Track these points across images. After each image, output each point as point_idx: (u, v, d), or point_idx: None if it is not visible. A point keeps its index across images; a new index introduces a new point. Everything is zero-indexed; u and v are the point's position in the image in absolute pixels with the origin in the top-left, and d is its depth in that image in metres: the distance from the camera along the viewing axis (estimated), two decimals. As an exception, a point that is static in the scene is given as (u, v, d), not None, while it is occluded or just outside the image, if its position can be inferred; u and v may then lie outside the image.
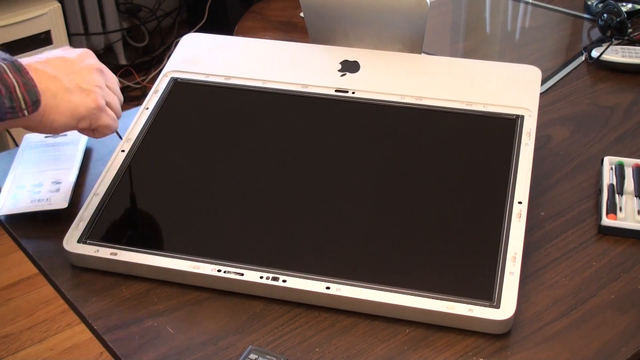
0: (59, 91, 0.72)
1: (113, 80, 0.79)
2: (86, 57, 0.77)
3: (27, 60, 0.71)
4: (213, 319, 0.75)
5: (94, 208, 0.83)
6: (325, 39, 1.03)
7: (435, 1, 1.40)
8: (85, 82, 0.75)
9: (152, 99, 0.95)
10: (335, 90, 0.94)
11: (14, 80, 0.66)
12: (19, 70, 0.67)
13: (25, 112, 0.67)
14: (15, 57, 0.69)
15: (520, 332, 0.73)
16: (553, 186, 0.91)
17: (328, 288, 0.74)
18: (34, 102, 0.68)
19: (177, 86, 0.97)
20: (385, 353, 0.71)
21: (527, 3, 1.39)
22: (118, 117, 0.80)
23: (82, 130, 0.77)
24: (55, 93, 0.71)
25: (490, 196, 0.81)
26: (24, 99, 0.67)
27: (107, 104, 0.77)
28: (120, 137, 0.89)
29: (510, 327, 0.72)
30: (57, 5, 2.13)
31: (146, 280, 0.79)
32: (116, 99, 0.80)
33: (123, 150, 0.89)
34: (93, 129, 0.77)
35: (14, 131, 2.04)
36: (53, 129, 0.72)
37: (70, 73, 0.74)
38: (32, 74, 0.69)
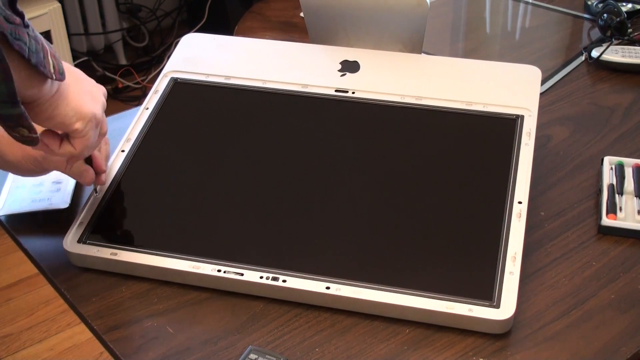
0: (74, 86, 0.71)
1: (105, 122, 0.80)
2: (100, 87, 0.78)
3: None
4: (213, 319, 0.75)
5: (94, 208, 0.83)
6: (325, 39, 1.03)
7: (435, 1, 1.40)
8: (95, 95, 0.76)
9: (152, 99, 0.95)
10: (335, 90, 0.94)
11: (47, 48, 0.67)
12: (49, 46, 0.68)
13: (53, 76, 0.67)
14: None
15: (520, 332, 0.73)
16: (553, 186, 0.91)
17: (328, 288, 0.74)
18: (61, 72, 0.68)
19: (177, 86, 0.97)
20: (385, 353, 0.71)
21: (527, 3, 1.39)
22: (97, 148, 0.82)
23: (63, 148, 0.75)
24: (70, 85, 0.71)
25: (490, 196, 0.81)
26: (53, 65, 0.67)
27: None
28: (96, 191, 0.85)
29: (510, 327, 0.72)
30: (57, 5, 2.13)
31: (146, 280, 0.79)
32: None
33: (123, 150, 0.89)
34: (75, 140, 0.74)
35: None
36: (51, 117, 0.70)
37: (86, 83, 0.75)
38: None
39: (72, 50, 2.33)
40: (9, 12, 0.61)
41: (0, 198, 0.90)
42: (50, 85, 0.67)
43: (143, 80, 2.64)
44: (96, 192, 0.85)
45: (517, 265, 0.75)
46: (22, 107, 0.63)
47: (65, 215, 0.86)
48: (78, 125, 0.72)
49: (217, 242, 0.79)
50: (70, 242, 0.80)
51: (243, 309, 0.76)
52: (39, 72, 0.65)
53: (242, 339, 0.73)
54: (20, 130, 0.66)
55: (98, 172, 0.82)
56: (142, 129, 0.92)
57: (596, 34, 1.25)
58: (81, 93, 0.73)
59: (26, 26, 0.63)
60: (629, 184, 0.88)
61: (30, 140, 0.67)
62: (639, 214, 0.84)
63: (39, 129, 0.75)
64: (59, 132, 0.73)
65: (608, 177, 0.90)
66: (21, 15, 0.63)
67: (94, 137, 0.75)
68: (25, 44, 0.63)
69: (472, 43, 1.33)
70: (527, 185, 0.82)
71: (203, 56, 1.00)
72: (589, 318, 0.74)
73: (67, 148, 0.73)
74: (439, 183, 0.83)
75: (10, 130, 0.66)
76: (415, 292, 0.73)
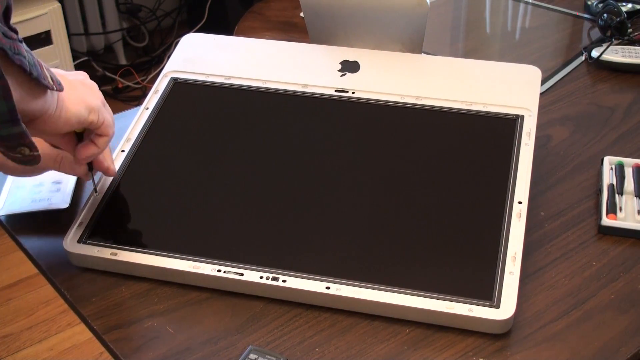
0: (67, 86, 0.72)
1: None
2: (82, 73, 0.80)
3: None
4: (213, 319, 0.75)
5: (94, 208, 0.83)
6: (325, 39, 1.03)
7: (435, 1, 1.40)
8: (86, 82, 0.77)
9: (152, 99, 0.95)
10: (335, 90, 0.94)
11: (41, 61, 0.67)
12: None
13: (54, 87, 0.67)
14: None
15: (520, 332, 0.73)
16: (553, 186, 0.91)
17: (328, 288, 0.74)
18: (58, 82, 0.68)
19: (177, 86, 0.97)
20: (385, 353, 0.71)
21: (527, 3, 1.39)
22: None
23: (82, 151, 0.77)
24: (64, 87, 0.71)
25: (490, 196, 0.81)
26: (50, 77, 0.67)
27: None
28: (96, 191, 0.85)
29: (510, 327, 0.72)
30: (57, 5, 2.13)
31: (146, 280, 0.79)
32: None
33: (123, 150, 0.89)
34: (96, 129, 0.76)
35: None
36: (67, 120, 0.71)
37: (72, 77, 0.76)
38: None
39: (72, 50, 2.33)
40: (6, 28, 0.61)
41: (0, 198, 0.90)
42: (51, 96, 0.68)
43: (143, 80, 2.64)
44: (96, 192, 0.85)
45: (517, 265, 0.75)
46: (23, 125, 0.63)
47: (65, 215, 0.86)
48: (93, 117, 0.74)
49: (217, 242, 0.79)
50: (70, 242, 0.80)
51: (243, 309, 0.76)
52: (40, 84, 0.65)
53: (242, 339, 0.73)
54: (21, 149, 0.65)
55: (103, 170, 0.83)
56: (142, 129, 0.92)
57: (596, 34, 1.25)
58: (76, 89, 0.73)
59: (20, 41, 0.63)
60: (629, 184, 0.88)
61: (31, 159, 0.66)
62: (639, 214, 0.85)
63: (44, 145, 0.77)
64: (78, 130, 0.76)
65: (608, 177, 0.90)
66: (15, 31, 0.63)
67: (110, 116, 0.78)
68: (25, 57, 0.63)
69: (472, 43, 1.33)
70: (527, 185, 0.82)
71: (203, 56, 1.00)
72: (589, 318, 0.74)
73: (100, 141, 0.77)
74: (439, 183, 0.83)
75: (10, 151, 0.65)
76: (415, 292, 0.73)
